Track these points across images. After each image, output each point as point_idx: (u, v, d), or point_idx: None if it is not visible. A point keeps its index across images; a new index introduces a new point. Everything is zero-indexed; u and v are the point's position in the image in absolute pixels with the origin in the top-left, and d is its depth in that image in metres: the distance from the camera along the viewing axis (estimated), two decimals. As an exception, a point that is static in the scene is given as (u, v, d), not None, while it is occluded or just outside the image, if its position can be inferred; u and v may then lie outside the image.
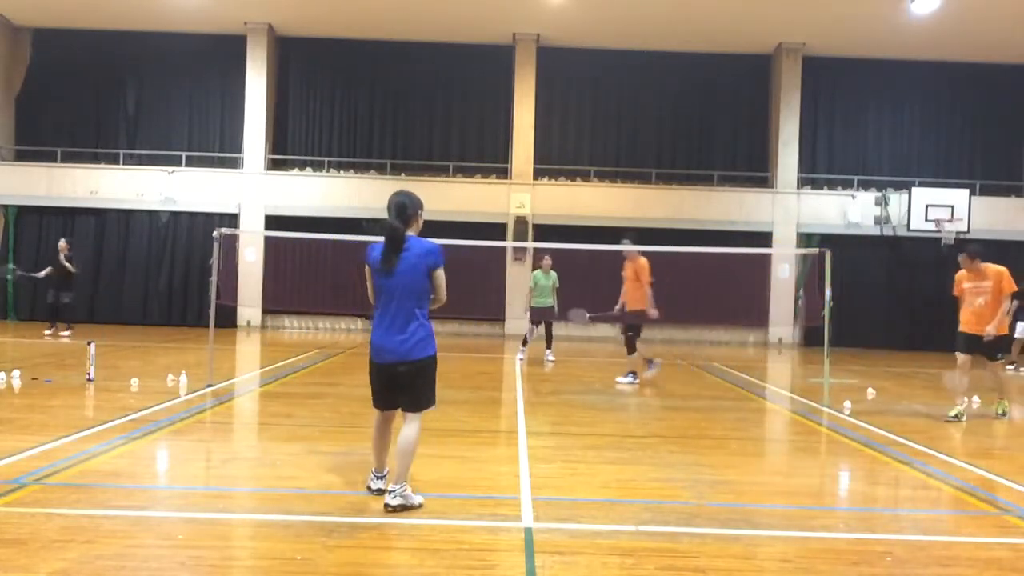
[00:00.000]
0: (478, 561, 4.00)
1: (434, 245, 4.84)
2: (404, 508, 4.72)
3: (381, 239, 4.84)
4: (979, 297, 8.69)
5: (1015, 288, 8.73)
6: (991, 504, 5.46)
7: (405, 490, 4.76)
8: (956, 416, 8.59)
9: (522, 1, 17.98)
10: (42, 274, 15.94)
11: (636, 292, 10.77)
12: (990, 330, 8.58)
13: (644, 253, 11.00)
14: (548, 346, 13.79)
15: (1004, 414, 8.99)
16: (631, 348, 10.98)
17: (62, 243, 16.05)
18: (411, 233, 4.83)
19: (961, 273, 8.99)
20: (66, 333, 15.28)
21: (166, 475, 5.83)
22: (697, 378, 12.42)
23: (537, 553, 4.10)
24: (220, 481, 5.62)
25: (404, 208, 4.83)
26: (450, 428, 7.55)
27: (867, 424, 8.28)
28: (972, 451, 7.08)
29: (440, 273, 4.83)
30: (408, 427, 4.82)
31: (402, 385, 4.80)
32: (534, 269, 13.56)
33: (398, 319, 4.73)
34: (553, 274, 13.61)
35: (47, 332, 15.35)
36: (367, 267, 4.86)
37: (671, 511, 5.02)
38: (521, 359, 13.49)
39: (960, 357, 8.85)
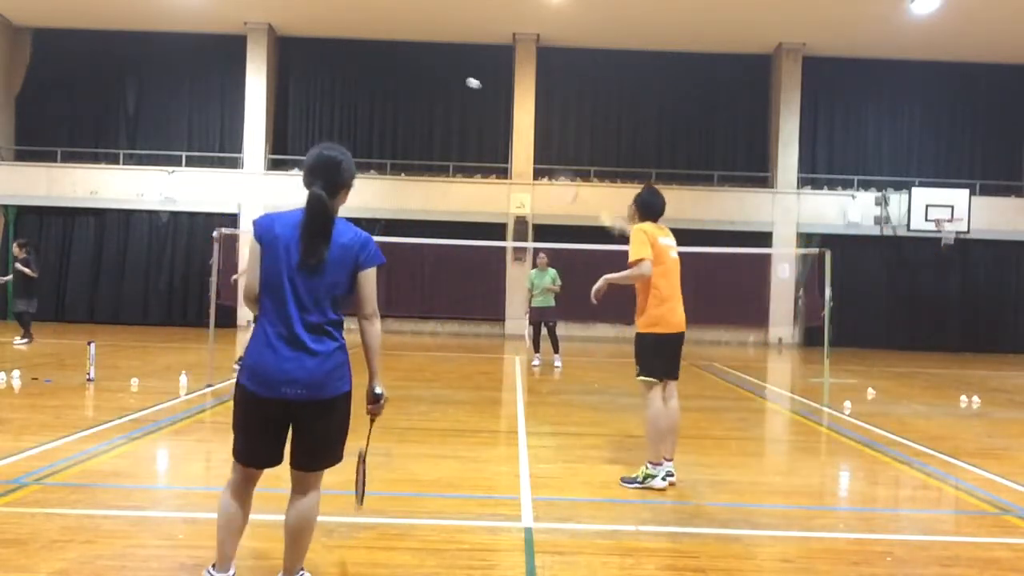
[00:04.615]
0: (478, 561, 4.00)
1: (367, 234, 3.32)
2: None
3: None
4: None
5: (647, 255, 5.50)
6: (991, 504, 5.45)
7: None
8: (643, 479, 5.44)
9: (522, 1, 17.98)
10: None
11: None
12: (596, 288, 5.68)
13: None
14: (555, 351, 13.02)
15: (635, 480, 5.43)
16: None
17: (15, 247, 14.11)
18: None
19: (650, 227, 5.64)
20: (22, 341, 13.40)
21: (166, 475, 5.83)
22: (697, 378, 12.41)
23: (537, 553, 4.10)
24: (220, 481, 5.55)
25: (339, 171, 3.22)
26: (450, 428, 7.56)
27: (867, 424, 8.27)
28: (972, 451, 7.08)
29: (372, 276, 3.27)
30: (308, 496, 3.41)
31: (304, 432, 3.30)
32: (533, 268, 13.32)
33: (307, 334, 3.18)
34: (550, 272, 12.91)
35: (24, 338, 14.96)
36: (258, 245, 3.20)
37: (671, 511, 5.01)
38: (535, 365, 12.93)
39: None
